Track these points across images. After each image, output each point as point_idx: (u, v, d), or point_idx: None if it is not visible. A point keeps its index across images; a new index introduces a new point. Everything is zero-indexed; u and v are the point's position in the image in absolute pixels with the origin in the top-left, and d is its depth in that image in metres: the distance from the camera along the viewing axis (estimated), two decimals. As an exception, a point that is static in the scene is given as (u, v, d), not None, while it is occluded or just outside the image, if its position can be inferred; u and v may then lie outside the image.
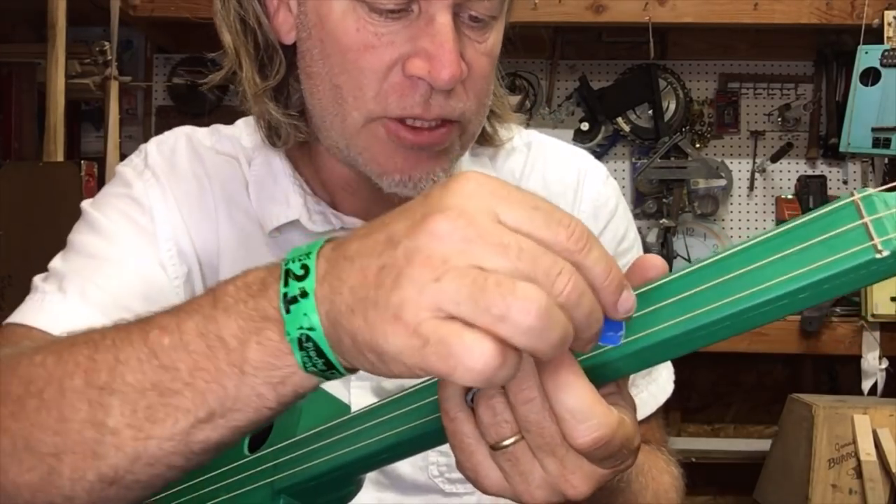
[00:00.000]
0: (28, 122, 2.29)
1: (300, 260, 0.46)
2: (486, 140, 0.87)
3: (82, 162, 1.98)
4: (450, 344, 0.40)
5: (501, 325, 0.40)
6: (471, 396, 0.50)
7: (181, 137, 0.88)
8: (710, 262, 0.47)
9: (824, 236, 0.43)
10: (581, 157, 0.93)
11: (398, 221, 0.44)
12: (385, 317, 0.41)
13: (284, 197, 0.83)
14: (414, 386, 0.58)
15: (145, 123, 2.89)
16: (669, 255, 2.64)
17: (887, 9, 2.40)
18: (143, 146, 0.89)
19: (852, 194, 0.43)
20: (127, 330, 0.52)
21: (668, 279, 0.48)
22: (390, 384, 0.82)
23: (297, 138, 0.80)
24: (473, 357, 0.40)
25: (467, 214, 0.42)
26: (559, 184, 0.89)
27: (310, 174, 0.84)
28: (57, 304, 0.76)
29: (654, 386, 0.91)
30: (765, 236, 0.45)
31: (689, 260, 2.82)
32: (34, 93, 2.27)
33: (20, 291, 0.83)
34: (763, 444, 2.50)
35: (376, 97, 0.70)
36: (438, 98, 0.70)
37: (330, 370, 0.47)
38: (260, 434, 0.68)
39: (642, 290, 0.48)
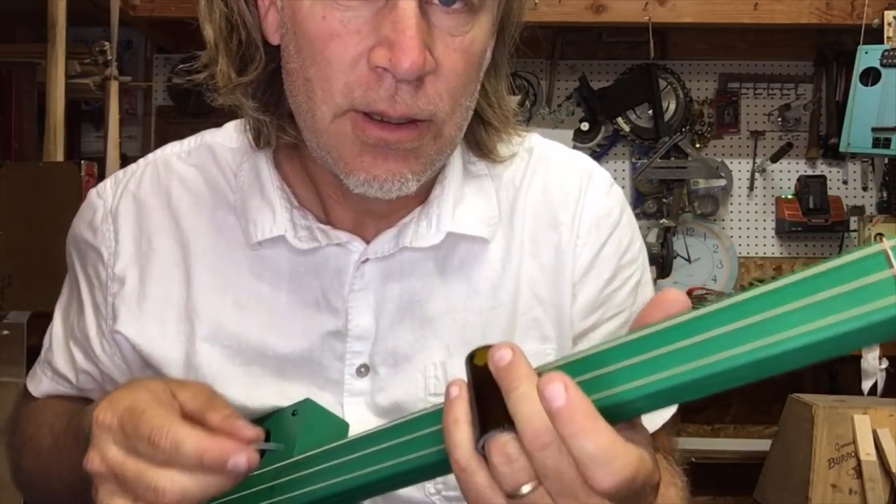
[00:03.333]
0: (28, 122, 2.29)
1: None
2: (484, 154, 0.85)
3: (82, 162, 1.97)
4: None
5: None
6: (481, 444, 0.48)
7: (147, 170, 0.87)
8: (729, 303, 0.45)
9: (851, 286, 0.41)
10: (584, 164, 0.90)
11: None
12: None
13: (270, 209, 0.80)
14: (417, 413, 0.56)
15: (145, 123, 2.89)
16: (669, 255, 2.63)
17: (887, 9, 2.40)
18: (116, 175, 0.89)
19: (882, 241, 0.41)
20: (51, 456, 0.83)
21: (687, 318, 0.46)
22: (383, 399, 0.80)
23: (280, 139, 0.78)
24: None
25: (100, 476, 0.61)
26: (560, 192, 0.86)
27: (298, 183, 0.82)
28: (42, 379, 0.91)
29: None
30: (789, 280, 0.43)
31: (689, 260, 2.82)
32: (34, 93, 2.27)
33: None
34: (763, 444, 2.49)
35: (343, 90, 0.68)
36: (405, 95, 0.67)
37: None
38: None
39: (661, 327, 0.47)
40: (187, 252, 0.82)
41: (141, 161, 0.89)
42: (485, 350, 0.51)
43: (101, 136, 2.35)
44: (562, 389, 0.46)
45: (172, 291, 0.82)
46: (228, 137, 0.87)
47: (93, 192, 0.88)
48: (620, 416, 0.48)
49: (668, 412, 0.89)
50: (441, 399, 0.52)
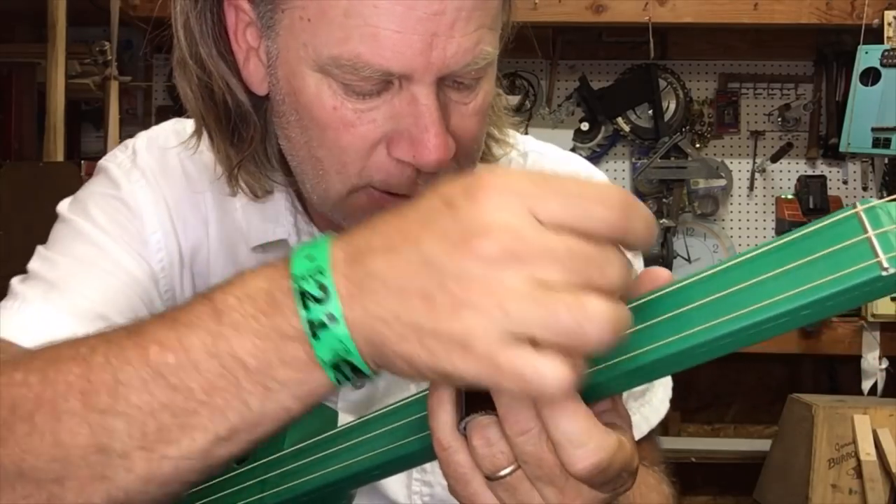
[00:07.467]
0: (28, 122, 2.29)
1: (313, 277, 0.44)
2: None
3: (82, 162, 1.98)
4: (525, 373, 0.41)
5: (579, 347, 0.42)
6: (463, 425, 0.49)
7: (171, 135, 0.82)
8: (706, 275, 0.45)
9: (826, 251, 0.41)
10: (580, 168, 0.87)
11: (430, 240, 0.43)
12: (451, 346, 0.42)
13: (274, 213, 0.77)
14: (402, 400, 0.57)
15: (145, 123, 2.89)
16: (669, 255, 2.64)
17: (887, 9, 2.40)
18: (129, 141, 0.83)
19: (855, 206, 0.41)
20: (119, 345, 0.49)
21: (663, 292, 0.46)
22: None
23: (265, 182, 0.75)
24: (548, 380, 0.41)
25: (509, 229, 0.41)
26: None
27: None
28: (40, 314, 0.72)
29: (647, 408, 0.86)
30: (764, 248, 0.43)
31: (689, 260, 2.82)
32: (34, 93, 2.27)
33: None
34: (763, 444, 2.49)
35: (360, 172, 0.66)
36: (427, 175, 0.65)
37: (361, 379, 0.47)
38: None
39: (637, 303, 0.47)
40: (208, 235, 0.79)
41: (157, 128, 0.84)
42: None
43: (101, 136, 2.35)
44: None
45: (200, 246, 0.79)
46: None
47: (111, 167, 0.81)
48: (601, 395, 0.48)
49: (656, 418, 0.87)
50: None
